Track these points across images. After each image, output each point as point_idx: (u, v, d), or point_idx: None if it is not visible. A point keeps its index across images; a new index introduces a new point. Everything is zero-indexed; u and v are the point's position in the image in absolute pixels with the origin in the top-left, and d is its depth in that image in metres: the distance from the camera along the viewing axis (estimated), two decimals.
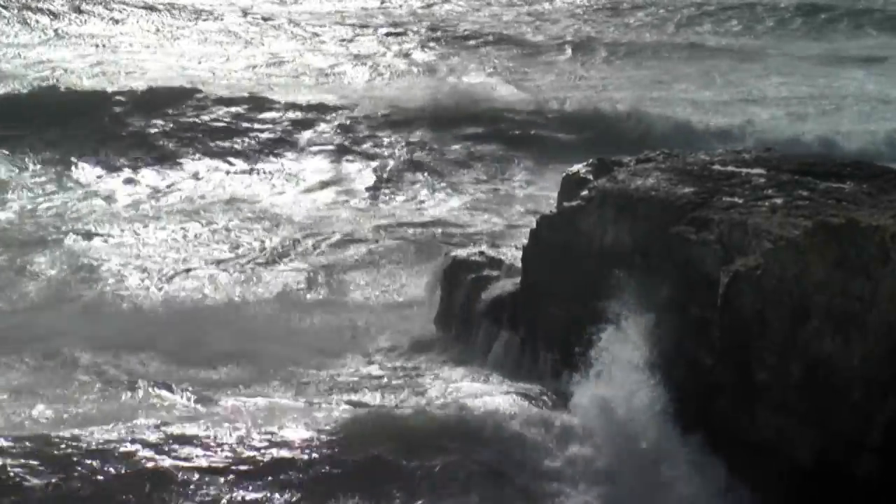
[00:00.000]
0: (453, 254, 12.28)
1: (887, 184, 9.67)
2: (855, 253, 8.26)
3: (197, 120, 20.33)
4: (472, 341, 11.39)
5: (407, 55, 27.18)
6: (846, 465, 8.17)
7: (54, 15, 28.24)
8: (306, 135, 20.24)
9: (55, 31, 27.25)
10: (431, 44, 28.25)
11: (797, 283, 8.43)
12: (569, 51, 28.11)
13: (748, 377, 8.63)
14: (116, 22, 28.79)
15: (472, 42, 28.52)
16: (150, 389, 10.20)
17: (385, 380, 11.00)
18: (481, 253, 11.96)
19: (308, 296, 13.45)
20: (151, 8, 29.90)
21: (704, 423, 8.88)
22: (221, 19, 29.69)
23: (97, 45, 26.19)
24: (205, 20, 29.51)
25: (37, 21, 27.64)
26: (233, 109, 20.79)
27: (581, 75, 25.89)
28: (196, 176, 18.36)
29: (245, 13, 30.44)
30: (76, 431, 8.81)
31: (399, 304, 13.12)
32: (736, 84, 25.17)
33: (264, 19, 29.84)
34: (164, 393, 10.15)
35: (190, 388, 10.28)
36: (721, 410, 8.82)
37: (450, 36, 29.06)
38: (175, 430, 8.95)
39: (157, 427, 8.94)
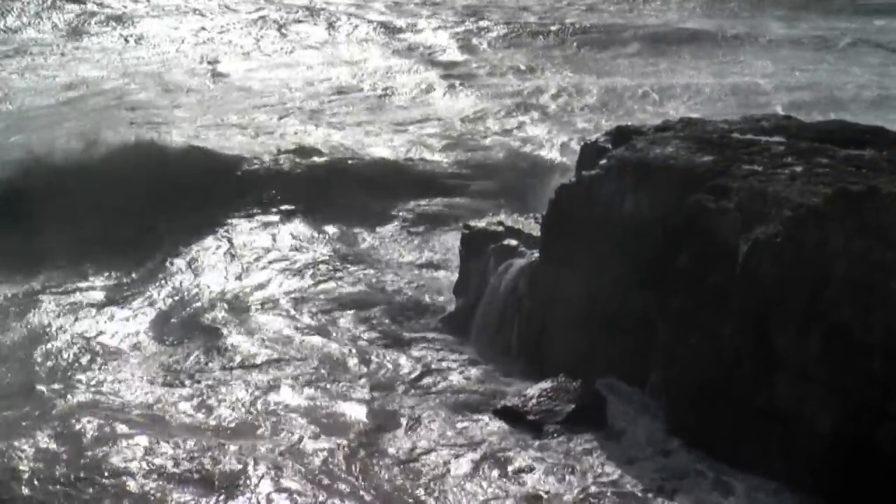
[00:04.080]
0: (472, 223, 12.27)
1: None
2: (875, 220, 8.24)
3: None
4: (489, 312, 11.40)
5: None
6: (867, 432, 8.18)
7: None
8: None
9: None
10: None
11: (817, 251, 8.42)
12: None
13: (767, 345, 8.65)
14: None
15: None
16: None
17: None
18: (500, 223, 11.93)
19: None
20: None
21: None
22: None
23: None
24: None
25: None
26: None
27: None
28: None
29: None
30: None
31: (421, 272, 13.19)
32: None
33: None
34: None
35: None
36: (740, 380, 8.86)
37: None
38: None
39: None
